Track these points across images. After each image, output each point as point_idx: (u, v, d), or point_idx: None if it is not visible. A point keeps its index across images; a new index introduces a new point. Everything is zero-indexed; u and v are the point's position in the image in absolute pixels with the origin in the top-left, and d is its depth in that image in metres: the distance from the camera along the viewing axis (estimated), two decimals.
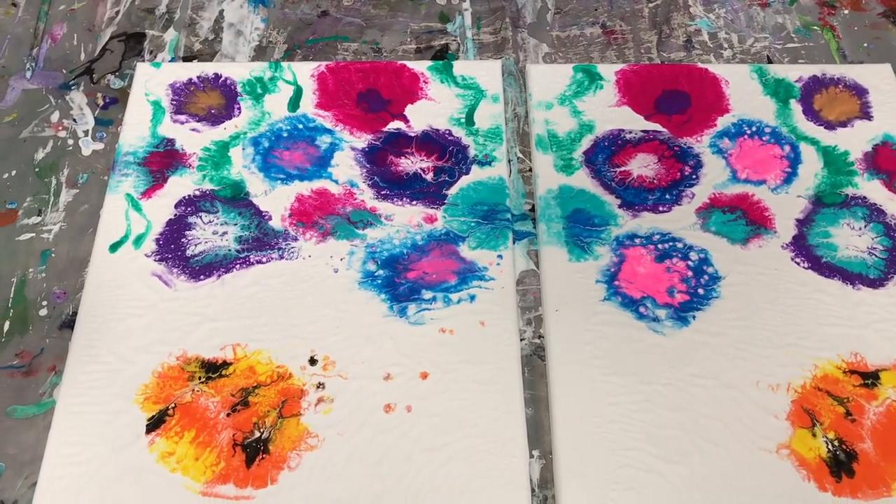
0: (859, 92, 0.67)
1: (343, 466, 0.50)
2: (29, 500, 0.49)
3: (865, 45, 0.71)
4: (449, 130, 0.64)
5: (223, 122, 0.64)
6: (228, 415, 0.51)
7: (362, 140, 0.63)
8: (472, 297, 0.56)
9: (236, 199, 0.60)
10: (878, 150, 0.64)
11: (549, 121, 0.64)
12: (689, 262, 0.58)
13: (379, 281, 0.57)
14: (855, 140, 0.64)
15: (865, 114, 0.65)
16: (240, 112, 0.64)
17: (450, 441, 0.51)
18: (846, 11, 0.73)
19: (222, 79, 0.66)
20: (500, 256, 0.58)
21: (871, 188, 0.62)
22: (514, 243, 0.59)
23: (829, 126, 0.65)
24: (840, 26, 0.72)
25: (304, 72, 0.67)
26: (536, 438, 0.52)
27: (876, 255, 0.58)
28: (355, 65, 0.67)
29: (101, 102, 0.66)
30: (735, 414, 0.52)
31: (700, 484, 0.49)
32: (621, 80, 0.67)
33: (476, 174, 0.62)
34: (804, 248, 0.58)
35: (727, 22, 0.72)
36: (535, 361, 0.55)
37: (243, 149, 0.62)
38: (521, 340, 0.55)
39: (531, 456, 0.51)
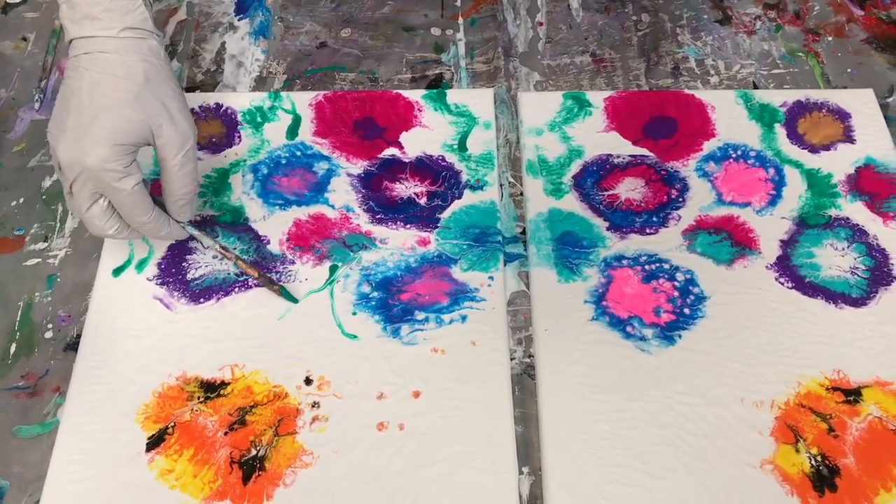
0: (842, 116, 0.68)
1: (337, 483, 0.51)
2: None
3: (849, 70, 0.73)
4: (442, 156, 0.66)
5: (224, 149, 0.66)
6: (226, 433, 0.53)
7: (358, 166, 0.65)
8: (464, 318, 0.58)
9: (235, 224, 0.62)
10: (860, 172, 0.65)
11: (539, 146, 0.66)
12: (676, 283, 0.59)
13: (373, 302, 0.58)
14: (838, 163, 0.66)
15: (848, 137, 0.67)
16: (240, 140, 0.67)
17: (441, 458, 0.52)
18: (830, 38, 0.75)
19: (223, 108, 0.68)
20: (491, 278, 0.59)
21: (853, 209, 0.63)
22: (505, 265, 0.60)
23: (813, 149, 0.66)
24: (824, 52, 0.74)
25: (303, 101, 0.69)
26: (526, 455, 0.53)
27: (858, 275, 0.60)
28: (352, 94, 0.69)
29: None
30: (720, 430, 0.53)
31: (686, 499, 0.50)
32: (609, 106, 0.69)
33: (468, 198, 0.63)
34: (788, 269, 0.60)
35: (714, 49, 0.74)
36: (525, 380, 0.56)
37: (243, 175, 0.64)
38: (512, 360, 0.57)
39: (521, 472, 0.52)
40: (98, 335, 0.57)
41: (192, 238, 0.58)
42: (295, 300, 0.58)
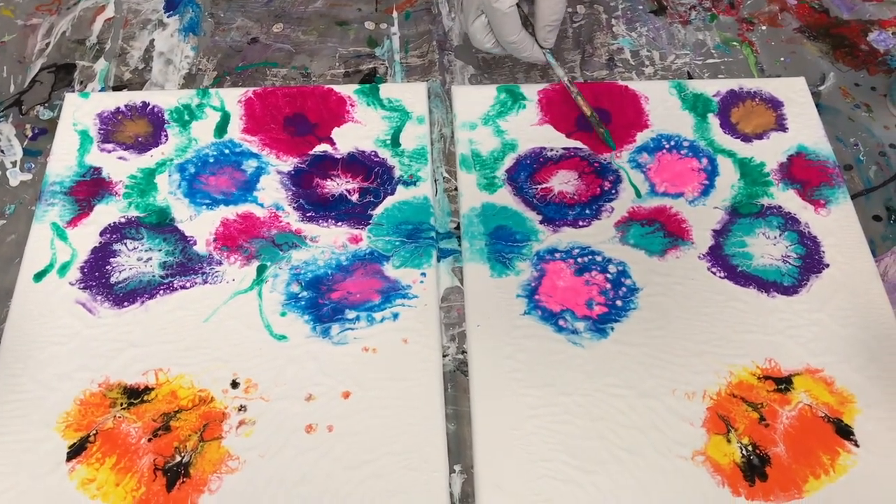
0: (775, 105, 0.68)
1: (263, 488, 0.50)
2: None
3: (782, 59, 0.73)
4: (375, 152, 0.65)
5: (150, 149, 0.64)
6: (150, 440, 0.52)
7: (288, 163, 0.64)
8: (396, 316, 0.57)
9: (161, 225, 0.60)
10: (792, 160, 0.65)
11: (473, 140, 0.65)
12: (608, 275, 0.59)
13: (302, 302, 0.57)
14: (770, 151, 0.66)
15: (781, 126, 0.67)
16: (167, 139, 0.65)
17: (371, 458, 0.51)
18: (763, 27, 0.75)
19: (150, 107, 0.67)
20: (423, 274, 0.59)
21: (785, 198, 0.63)
22: (438, 261, 0.60)
23: (746, 138, 0.67)
24: (758, 42, 0.74)
25: (232, 98, 0.67)
26: (459, 453, 0.52)
27: (790, 263, 0.60)
28: (282, 90, 0.68)
29: (29, 133, 0.66)
30: (652, 422, 0.53)
31: (617, 493, 0.50)
32: (543, 99, 0.68)
33: (401, 194, 0.63)
34: (720, 258, 0.60)
35: (649, 40, 0.74)
36: (458, 377, 0.55)
37: (169, 175, 0.63)
38: (445, 357, 0.56)
39: (453, 471, 0.52)
40: (18, 342, 0.55)
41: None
42: (612, 146, 0.65)
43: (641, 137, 0.66)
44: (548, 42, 0.64)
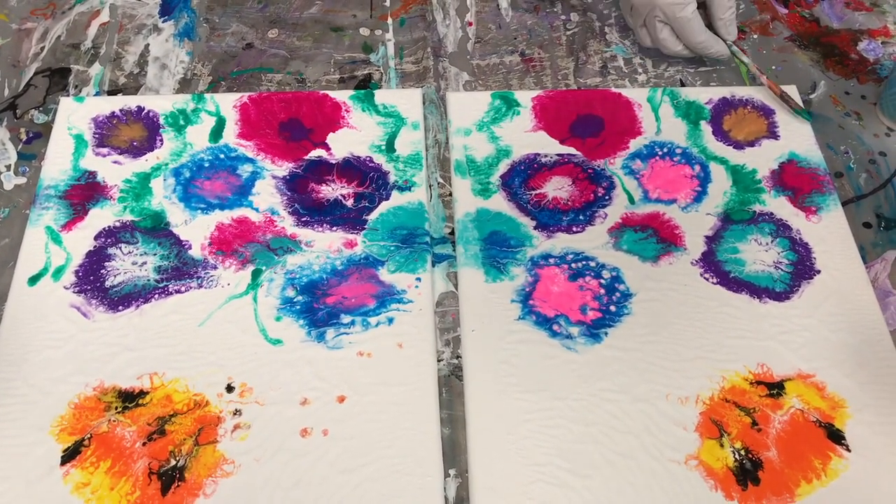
0: (766, 112, 0.69)
1: (258, 492, 0.50)
2: None
3: (773, 67, 0.74)
4: (370, 157, 0.65)
5: (145, 153, 0.65)
6: (144, 444, 0.52)
7: (284, 168, 0.64)
8: (391, 320, 0.57)
9: (156, 229, 0.60)
10: (784, 167, 0.66)
11: (467, 146, 0.66)
12: (602, 281, 0.59)
13: (298, 307, 0.57)
14: (762, 158, 0.66)
15: (772, 133, 0.68)
16: (162, 143, 0.65)
17: (365, 462, 0.51)
18: (755, 36, 0.76)
19: (145, 111, 0.67)
20: (418, 279, 0.59)
21: (777, 205, 0.64)
22: (432, 266, 0.60)
23: (738, 146, 0.67)
24: (750, 50, 0.75)
25: (227, 103, 0.68)
26: (453, 457, 0.53)
27: (782, 269, 0.60)
28: (278, 95, 0.68)
29: (24, 137, 0.66)
30: (645, 427, 0.53)
31: (611, 497, 0.50)
32: (537, 105, 0.69)
33: (396, 199, 0.63)
34: (713, 264, 0.60)
35: (642, 48, 0.74)
36: (452, 381, 0.56)
37: (164, 179, 0.63)
38: (440, 361, 0.56)
39: (448, 475, 0.52)
40: (12, 346, 0.55)
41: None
42: (808, 117, 0.69)
43: (634, 144, 0.67)
44: (731, 34, 0.70)
